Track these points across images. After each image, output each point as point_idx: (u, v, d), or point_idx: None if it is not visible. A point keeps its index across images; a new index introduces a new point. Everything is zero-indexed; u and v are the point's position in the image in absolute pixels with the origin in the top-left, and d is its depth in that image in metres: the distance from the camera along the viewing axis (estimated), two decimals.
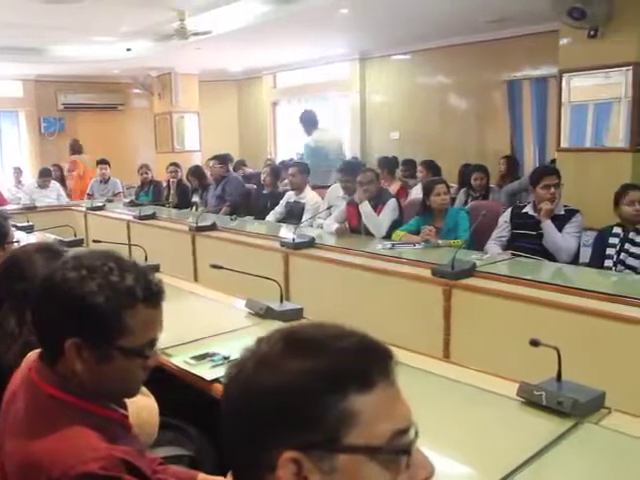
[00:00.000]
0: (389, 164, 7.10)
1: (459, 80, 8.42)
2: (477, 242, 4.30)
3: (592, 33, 5.01)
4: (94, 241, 4.56)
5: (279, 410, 0.75)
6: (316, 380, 0.75)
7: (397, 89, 9.28)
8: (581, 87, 5.24)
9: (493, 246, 4.18)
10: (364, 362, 0.78)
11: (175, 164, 8.11)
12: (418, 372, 2.03)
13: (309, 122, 7.12)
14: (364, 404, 0.76)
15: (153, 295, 1.27)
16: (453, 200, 6.20)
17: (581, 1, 4.85)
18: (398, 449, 0.76)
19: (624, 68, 4.95)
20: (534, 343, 1.74)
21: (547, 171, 4.24)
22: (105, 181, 8.65)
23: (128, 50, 8.81)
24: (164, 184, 8.07)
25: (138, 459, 1.15)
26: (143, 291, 1.24)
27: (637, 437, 1.59)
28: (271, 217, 5.89)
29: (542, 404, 1.69)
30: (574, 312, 2.87)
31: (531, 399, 1.72)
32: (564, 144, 5.40)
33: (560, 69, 5.36)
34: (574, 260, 3.96)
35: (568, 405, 1.64)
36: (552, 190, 4.02)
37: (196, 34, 7.36)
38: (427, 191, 4.41)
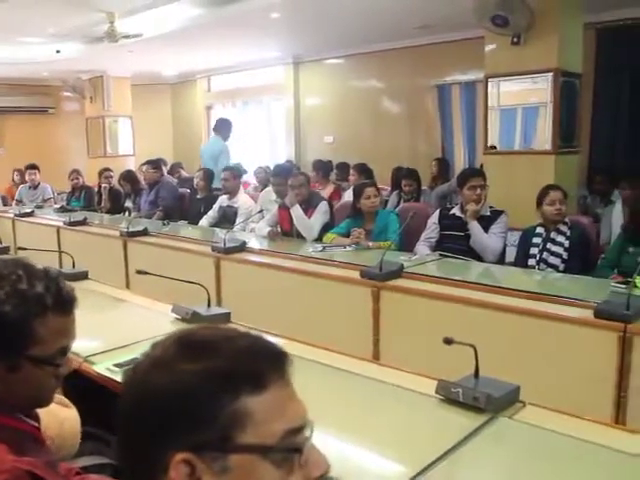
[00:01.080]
0: (323, 167, 7.14)
1: (391, 84, 8.55)
2: (408, 244, 4.37)
3: (515, 40, 5.16)
4: (19, 249, 4.44)
5: (171, 412, 0.75)
6: (208, 381, 0.76)
7: (331, 93, 9.36)
8: (505, 92, 5.40)
9: (422, 247, 4.26)
10: (257, 363, 0.79)
11: (108, 169, 7.97)
12: (346, 374, 2.05)
13: (225, 128, 7.30)
14: (257, 404, 0.76)
15: (64, 303, 1.25)
16: (386, 202, 6.29)
17: (503, 9, 4.99)
18: (290, 448, 0.77)
19: (546, 74, 5.11)
20: (447, 342, 1.78)
21: (473, 173, 4.35)
22: (34, 187, 8.43)
23: (57, 52, 8.59)
24: (96, 189, 7.91)
25: (47, 471, 1.13)
26: (53, 299, 1.22)
27: (549, 430, 1.64)
28: (204, 222, 5.84)
29: (459, 400, 1.73)
30: (499, 310, 2.95)
31: (449, 396, 1.76)
32: (490, 146, 5.54)
33: (486, 74, 5.50)
34: (500, 260, 4.08)
35: (483, 400, 1.69)
36: (478, 191, 4.13)
37: (126, 37, 7.23)
38: (357, 194, 4.46)
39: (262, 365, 0.80)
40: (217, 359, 0.78)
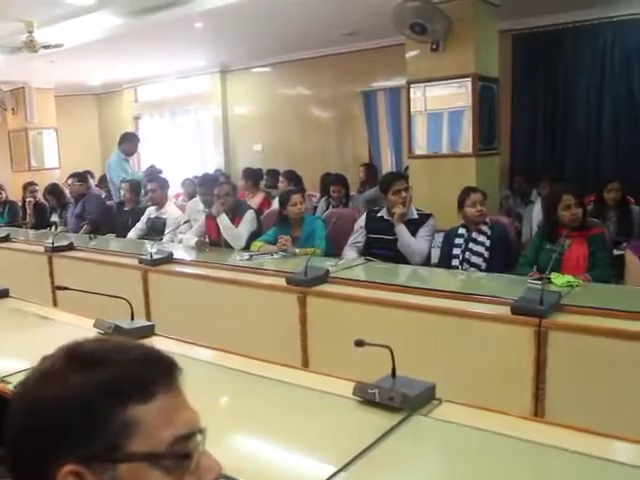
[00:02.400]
0: (253, 175, 7.14)
1: (318, 91, 8.63)
2: (337, 249, 4.41)
3: (434, 47, 5.31)
4: None
5: (59, 424, 0.75)
6: (96, 392, 0.76)
7: (259, 101, 9.38)
8: (427, 97, 5.53)
9: (350, 252, 4.30)
10: (145, 373, 0.80)
11: (32, 183, 7.75)
12: (271, 382, 2.04)
13: (128, 142, 7.20)
14: (145, 413, 0.77)
15: None
16: (315, 208, 6.34)
17: (421, 17, 5.11)
18: (179, 454, 0.78)
19: (464, 79, 5.27)
20: (359, 344, 1.82)
21: (395, 177, 4.42)
22: None
23: None
24: (20, 204, 7.69)
25: None
26: None
27: (465, 425, 1.69)
28: (132, 234, 5.76)
29: (376, 401, 1.76)
30: (421, 311, 3.01)
31: (366, 397, 1.79)
32: (415, 151, 5.67)
33: (407, 80, 5.63)
34: (426, 261, 4.16)
35: (398, 400, 1.72)
36: (403, 194, 4.19)
37: (46, 47, 7.06)
38: (283, 201, 4.48)
39: (150, 375, 0.80)
40: (105, 370, 0.78)
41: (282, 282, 3.49)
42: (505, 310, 2.78)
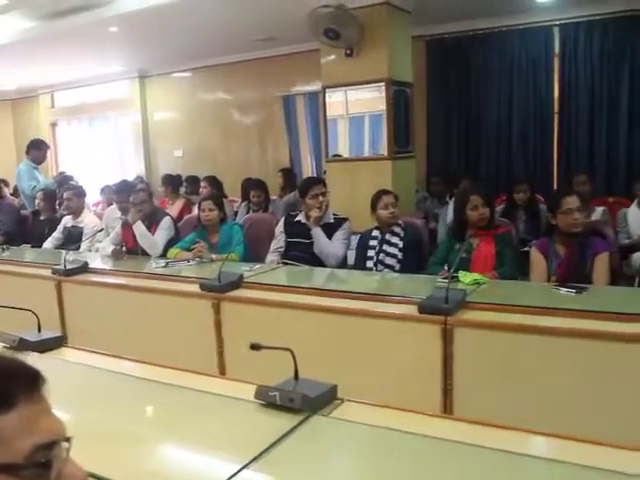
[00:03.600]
0: (173, 182, 7.07)
1: (239, 96, 8.62)
2: (257, 254, 4.43)
3: (348, 52, 5.39)
4: None
5: None
6: None
7: (179, 107, 9.28)
8: (341, 102, 5.61)
9: (272, 257, 4.33)
10: (5, 383, 0.80)
11: None
12: (180, 390, 2.02)
13: (35, 150, 7.05)
14: (3, 423, 0.77)
15: None
16: (236, 213, 6.34)
17: (334, 23, 5.18)
18: (38, 463, 0.78)
19: (379, 84, 5.37)
20: (255, 347, 1.84)
21: (313, 181, 4.48)
22: None
23: None
24: None
25: None
26: None
27: (362, 423, 1.73)
28: (48, 244, 5.61)
29: (277, 403, 1.79)
30: (332, 313, 3.06)
31: (268, 400, 1.81)
32: (332, 155, 5.74)
33: (323, 85, 5.69)
34: (342, 264, 4.22)
35: (299, 401, 1.75)
36: (320, 199, 4.25)
37: None
38: (198, 208, 4.48)
39: (10, 385, 0.80)
40: None
41: (196, 288, 3.48)
42: (413, 309, 2.86)
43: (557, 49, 6.52)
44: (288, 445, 1.61)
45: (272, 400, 1.80)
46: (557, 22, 6.47)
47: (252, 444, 1.61)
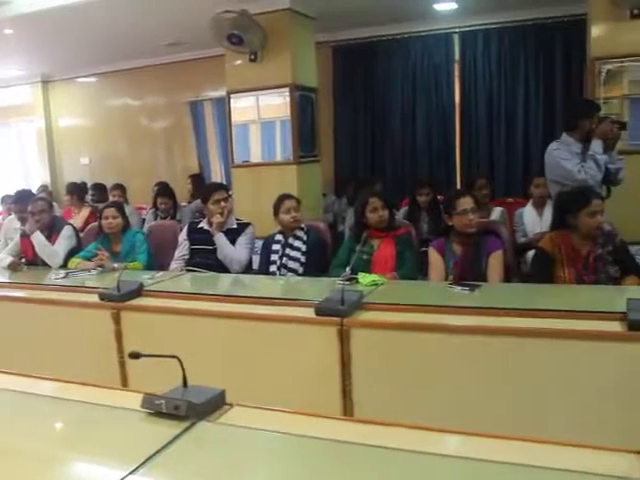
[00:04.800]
0: (78, 190, 6.86)
1: (147, 102, 8.50)
2: (162, 262, 4.38)
3: (252, 57, 5.42)
4: None
5: None
6: None
7: (85, 112, 9.06)
8: (247, 107, 5.63)
9: (176, 264, 4.29)
10: None
11: None
12: (68, 403, 1.98)
13: None
14: None
15: None
16: (144, 221, 6.24)
17: (238, 28, 5.20)
18: None
19: (283, 89, 5.42)
20: (133, 356, 1.83)
21: (215, 187, 4.47)
22: None
23: None
24: None
25: None
26: None
27: (249, 427, 1.74)
28: None
29: (163, 411, 1.78)
30: (234, 318, 3.05)
31: (153, 409, 1.80)
32: (237, 160, 5.74)
33: (228, 90, 5.69)
34: (248, 269, 4.23)
35: (184, 408, 1.75)
36: (222, 204, 4.25)
37: None
38: (101, 216, 4.39)
39: None
40: None
41: (95, 299, 3.40)
42: (311, 312, 2.89)
43: (457, 55, 6.75)
44: (172, 452, 1.60)
45: (158, 408, 1.79)
46: (457, 29, 6.71)
47: (135, 453, 1.59)
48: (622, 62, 4.84)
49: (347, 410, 2.81)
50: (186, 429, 1.71)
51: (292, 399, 2.70)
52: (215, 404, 1.84)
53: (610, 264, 3.31)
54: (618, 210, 4.19)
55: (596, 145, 3.91)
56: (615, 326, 2.48)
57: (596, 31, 4.89)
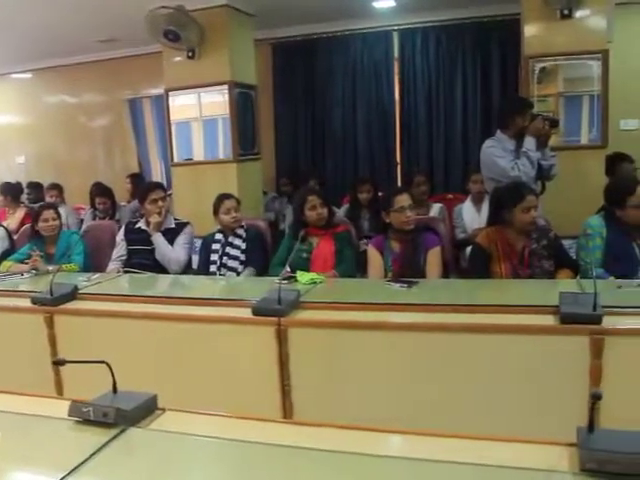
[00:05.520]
0: (12, 190, 6.66)
1: (84, 100, 8.32)
2: (99, 263, 4.29)
3: (190, 54, 5.36)
4: None
5: None
6: None
7: (20, 110, 8.81)
8: (185, 105, 5.56)
9: (113, 266, 4.21)
10: None
11: None
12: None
13: None
14: None
15: None
16: (82, 221, 6.11)
17: (174, 24, 5.12)
18: None
19: (222, 86, 5.37)
20: (58, 363, 1.79)
21: (152, 187, 4.41)
22: None
23: None
24: None
25: None
26: None
27: (180, 432, 1.72)
28: None
29: (91, 419, 1.74)
30: (171, 321, 3.00)
31: (81, 416, 1.76)
32: (178, 159, 5.67)
33: (166, 88, 5.61)
34: (188, 269, 4.18)
35: (112, 415, 1.71)
36: (159, 204, 4.19)
37: None
38: (35, 217, 4.28)
39: None
40: None
41: (27, 303, 3.31)
42: (248, 312, 2.87)
43: (397, 53, 6.81)
44: (99, 460, 1.57)
45: (86, 416, 1.75)
46: (396, 27, 6.77)
47: (62, 463, 1.55)
48: (556, 60, 4.95)
49: (287, 411, 2.80)
50: (115, 436, 1.68)
51: (230, 402, 2.69)
52: (146, 410, 1.82)
53: (545, 258, 3.39)
54: (552, 205, 4.31)
55: (529, 142, 3.99)
56: (548, 320, 2.54)
57: (529, 30, 5.00)
